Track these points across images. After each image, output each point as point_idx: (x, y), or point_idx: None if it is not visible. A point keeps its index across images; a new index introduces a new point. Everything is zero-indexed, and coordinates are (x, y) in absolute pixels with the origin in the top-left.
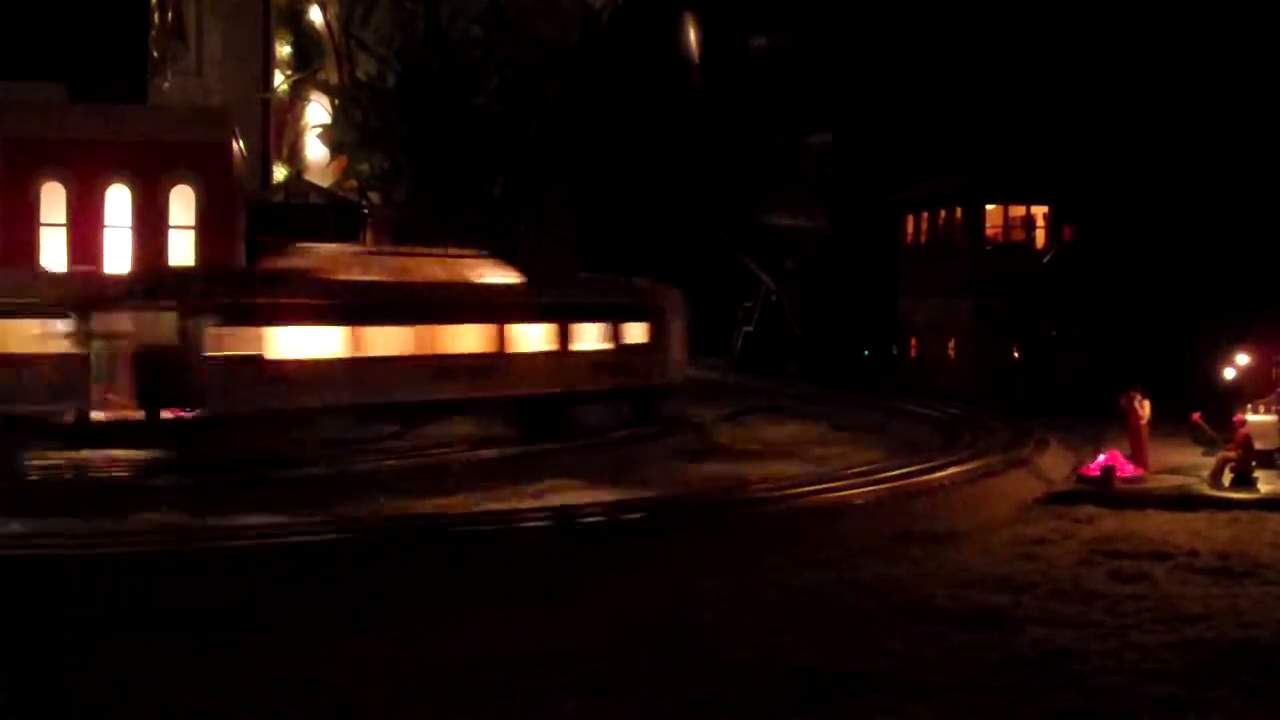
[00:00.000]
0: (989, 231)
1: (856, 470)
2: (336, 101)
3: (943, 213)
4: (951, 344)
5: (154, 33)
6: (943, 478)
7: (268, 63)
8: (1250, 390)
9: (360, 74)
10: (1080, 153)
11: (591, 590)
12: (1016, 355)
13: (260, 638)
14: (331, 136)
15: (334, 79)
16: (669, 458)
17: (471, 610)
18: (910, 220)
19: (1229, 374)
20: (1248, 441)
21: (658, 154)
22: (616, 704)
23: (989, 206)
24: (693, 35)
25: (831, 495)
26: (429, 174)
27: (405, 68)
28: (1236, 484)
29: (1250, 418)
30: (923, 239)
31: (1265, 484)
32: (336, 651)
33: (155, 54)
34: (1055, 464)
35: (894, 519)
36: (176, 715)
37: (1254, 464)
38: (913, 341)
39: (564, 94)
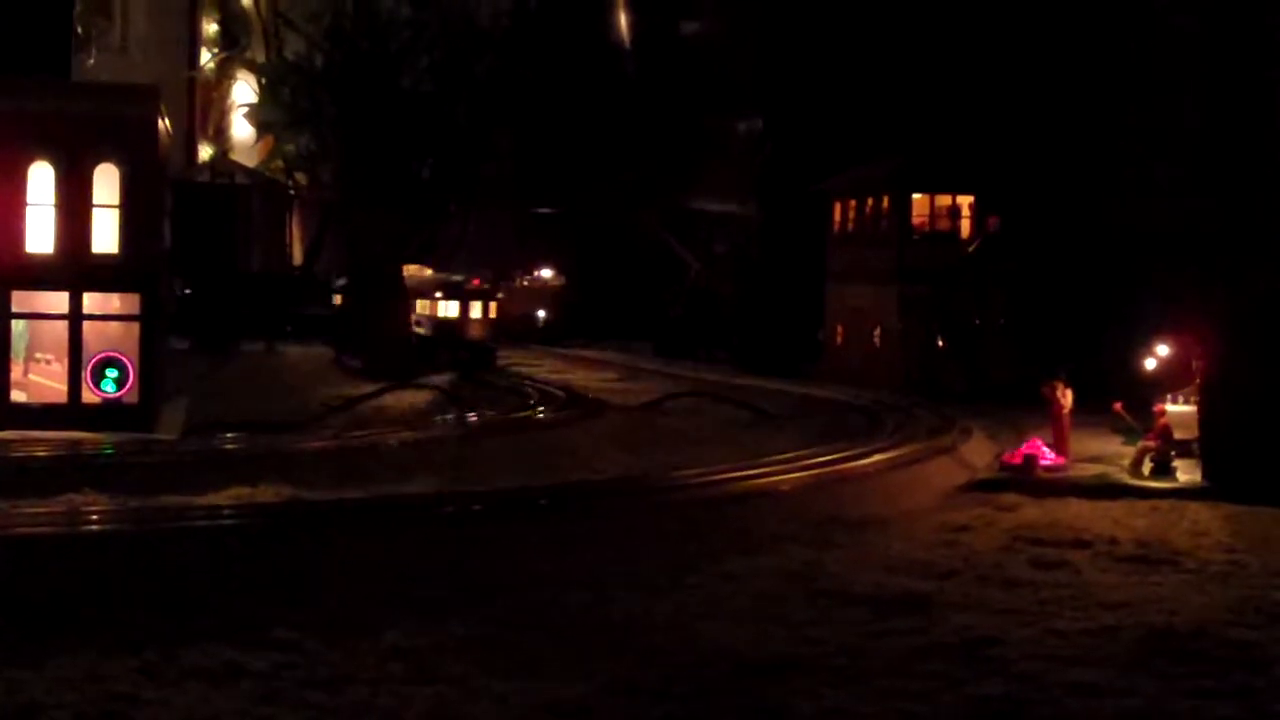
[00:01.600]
0: (916, 220)
1: (782, 456)
2: (264, 81)
3: (870, 201)
4: (877, 331)
5: (79, 8)
6: (868, 464)
7: (194, 41)
8: (1170, 381)
9: (288, 53)
10: (1005, 144)
11: (517, 575)
12: (941, 344)
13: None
14: (258, 116)
15: (261, 58)
16: (593, 444)
17: (399, 595)
18: (838, 207)
19: (1149, 365)
20: (1167, 431)
21: (588, 137)
22: (541, 686)
23: (916, 196)
24: (624, 20)
25: (757, 481)
26: (357, 155)
27: (334, 47)
28: (1156, 473)
29: (1170, 408)
30: (850, 226)
31: (1184, 474)
32: (262, 635)
33: (80, 30)
34: (978, 452)
35: (819, 505)
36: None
37: (1173, 454)
38: (839, 328)
39: (494, 76)
